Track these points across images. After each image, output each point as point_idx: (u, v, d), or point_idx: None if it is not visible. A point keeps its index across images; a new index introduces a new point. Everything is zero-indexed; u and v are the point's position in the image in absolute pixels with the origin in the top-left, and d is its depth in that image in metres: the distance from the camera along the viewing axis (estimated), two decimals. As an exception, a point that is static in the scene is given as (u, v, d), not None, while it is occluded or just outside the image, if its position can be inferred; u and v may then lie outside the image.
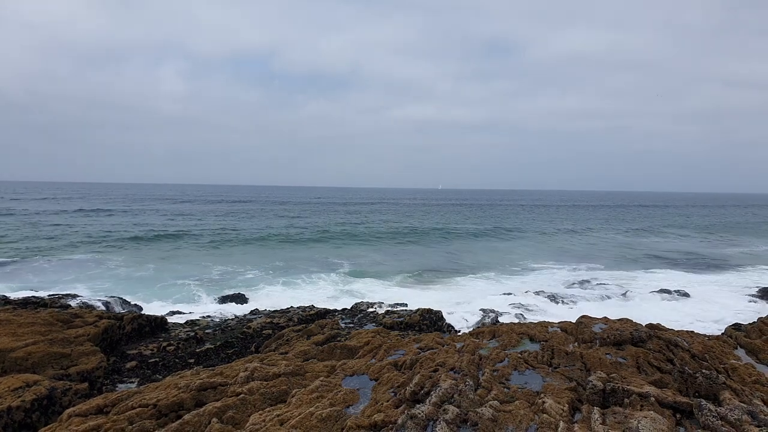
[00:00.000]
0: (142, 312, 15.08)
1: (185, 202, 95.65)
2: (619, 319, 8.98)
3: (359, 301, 18.26)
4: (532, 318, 16.17)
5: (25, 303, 13.43)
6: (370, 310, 16.31)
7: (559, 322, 9.69)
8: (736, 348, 8.48)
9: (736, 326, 10.97)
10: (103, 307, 14.87)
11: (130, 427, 5.57)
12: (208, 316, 15.45)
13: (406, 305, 17.17)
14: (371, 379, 6.88)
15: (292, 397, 6.23)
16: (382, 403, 5.85)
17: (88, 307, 14.37)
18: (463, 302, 18.45)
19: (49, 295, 16.09)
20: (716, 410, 5.12)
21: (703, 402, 5.27)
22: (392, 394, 6.20)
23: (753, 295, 20.20)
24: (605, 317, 9.37)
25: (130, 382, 9.56)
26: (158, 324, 13.06)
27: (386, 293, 21.19)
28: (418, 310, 14.64)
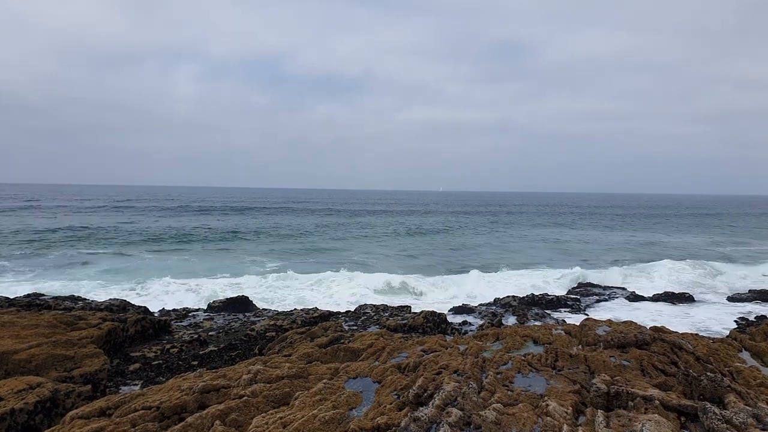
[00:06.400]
0: (146, 314, 15.09)
1: (193, 204, 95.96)
2: (623, 322, 8.93)
3: (363, 303, 18.24)
4: (535, 321, 16.12)
5: (29, 305, 13.48)
6: (374, 312, 16.29)
7: (562, 325, 9.66)
8: (741, 351, 8.44)
9: (741, 329, 10.91)
10: (107, 310, 14.87)
11: (133, 429, 5.57)
12: (212, 319, 15.47)
13: (409, 308, 17.15)
14: (374, 382, 6.86)
15: (295, 399, 6.22)
16: (386, 406, 5.84)
17: (91, 309, 14.40)
18: (466, 305, 18.42)
19: (53, 297, 16.15)
20: (721, 413, 5.09)
21: (708, 405, 5.24)
22: (395, 396, 6.18)
23: (758, 299, 20.08)
24: (609, 320, 9.32)
25: (134, 384, 9.57)
26: (162, 326, 13.08)
27: (389, 295, 21.18)
28: (421, 312, 14.62)
